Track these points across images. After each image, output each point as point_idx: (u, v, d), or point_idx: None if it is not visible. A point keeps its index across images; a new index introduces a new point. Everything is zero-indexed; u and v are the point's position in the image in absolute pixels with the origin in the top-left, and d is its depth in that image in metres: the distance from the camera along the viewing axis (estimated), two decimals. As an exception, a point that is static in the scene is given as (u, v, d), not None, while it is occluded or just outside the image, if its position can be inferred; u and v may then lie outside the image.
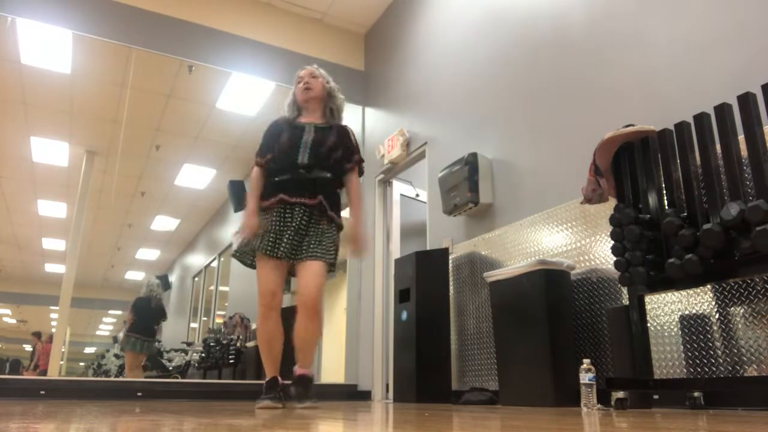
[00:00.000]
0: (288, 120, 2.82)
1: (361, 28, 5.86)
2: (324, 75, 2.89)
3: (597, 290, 2.79)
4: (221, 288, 7.99)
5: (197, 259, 8.85)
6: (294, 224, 2.59)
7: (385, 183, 5.20)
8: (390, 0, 5.47)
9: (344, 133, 2.82)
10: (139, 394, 4.04)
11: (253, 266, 2.70)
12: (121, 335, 6.57)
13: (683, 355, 2.30)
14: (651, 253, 2.21)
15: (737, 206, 1.88)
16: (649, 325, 2.37)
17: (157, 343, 6.48)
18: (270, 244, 2.58)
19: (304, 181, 2.64)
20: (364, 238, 2.81)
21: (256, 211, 2.67)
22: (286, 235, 2.58)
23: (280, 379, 2.62)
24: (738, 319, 2.13)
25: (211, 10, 5.12)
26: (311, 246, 2.60)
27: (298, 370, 2.61)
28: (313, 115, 2.83)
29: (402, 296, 3.81)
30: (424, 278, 3.72)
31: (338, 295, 7.83)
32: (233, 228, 2.89)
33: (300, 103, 2.84)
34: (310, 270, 2.58)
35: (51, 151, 6.39)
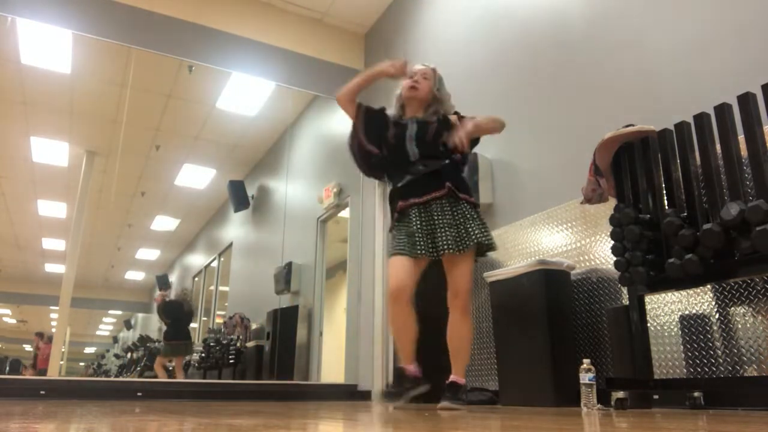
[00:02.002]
0: (393, 117, 2.78)
1: (361, 28, 5.86)
2: (437, 80, 2.80)
3: (597, 290, 2.79)
4: (221, 288, 8.00)
5: (197, 259, 8.85)
6: (433, 220, 2.54)
7: (386, 182, 5.20)
8: (390, 0, 5.47)
9: (445, 119, 2.74)
10: (139, 394, 4.04)
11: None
12: (121, 335, 6.58)
13: (683, 355, 2.30)
14: (651, 253, 2.21)
15: (737, 206, 1.88)
16: (649, 325, 2.37)
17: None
18: (411, 245, 2.53)
19: (425, 177, 2.59)
20: (470, 128, 2.55)
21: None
22: (425, 233, 2.53)
23: (412, 368, 2.57)
24: (738, 319, 2.13)
25: (211, 10, 5.12)
26: (465, 232, 2.52)
27: (450, 378, 2.60)
28: (416, 113, 2.77)
29: (402, 296, 3.80)
30: (424, 278, 3.71)
31: (338, 295, 7.83)
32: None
33: (403, 98, 2.79)
34: (458, 265, 2.55)
35: (51, 151, 6.39)
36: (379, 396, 2.45)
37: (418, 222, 2.55)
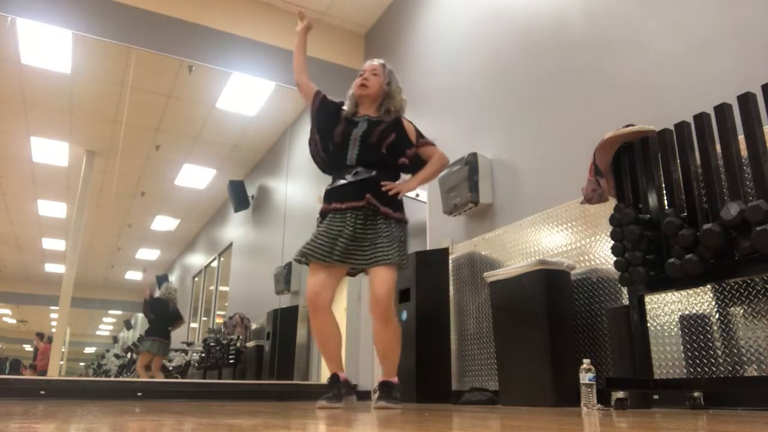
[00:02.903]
0: (346, 114, 2.78)
1: (361, 28, 5.86)
2: (386, 74, 2.82)
3: (597, 290, 2.79)
4: (221, 288, 8.00)
5: (197, 259, 8.85)
6: (348, 230, 2.55)
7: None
8: (390, 0, 5.47)
9: (397, 122, 2.75)
10: (139, 394, 4.04)
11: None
12: (121, 335, 6.58)
13: (683, 355, 2.30)
14: (651, 253, 2.21)
15: (737, 206, 1.88)
16: (649, 325, 2.37)
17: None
18: (323, 249, 2.54)
19: (351, 184, 2.61)
20: (405, 186, 2.66)
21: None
22: (340, 241, 2.54)
23: (341, 375, 2.59)
24: (738, 319, 2.13)
25: (211, 10, 5.12)
26: (374, 249, 2.54)
27: (380, 377, 2.62)
28: (368, 110, 2.79)
29: (402, 296, 3.81)
30: (424, 278, 3.72)
31: (338, 295, 7.82)
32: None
33: (356, 97, 2.80)
34: (378, 273, 2.55)
35: (51, 151, 6.39)
36: (322, 399, 2.46)
37: (334, 228, 2.56)
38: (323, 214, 2.65)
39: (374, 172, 2.63)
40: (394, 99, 2.79)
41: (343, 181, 2.63)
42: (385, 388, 2.55)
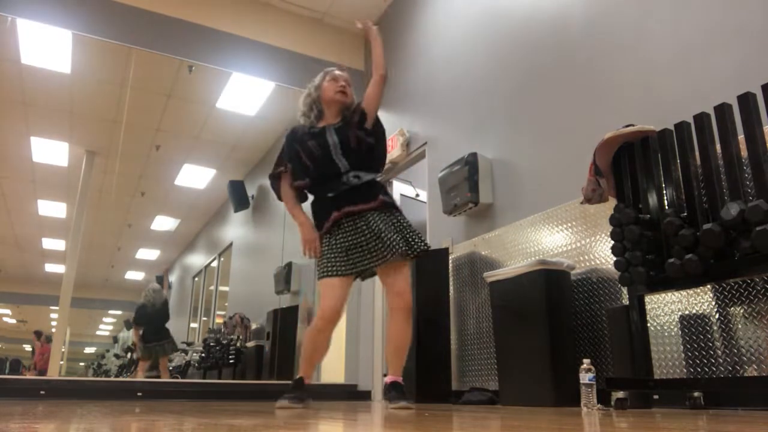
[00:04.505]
0: (305, 127, 2.73)
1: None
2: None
3: (597, 290, 2.79)
4: (221, 288, 8.00)
5: (197, 259, 8.86)
6: (362, 235, 2.53)
7: (385, 183, 5.20)
8: (390, 0, 5.47)
9: (357, 111, 2.73)
10: (139, 394, 4.04)
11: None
12: (121, 335, 6.57)
13: (683, 355, 2.30)
14: (651, 253, 2.21)
15: (737, 206, 1.88)
16: (649, 325, 2.37)
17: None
18: (343, 263, 2.53)
19: (358, 187, 2.58)
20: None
21: (306, 221, 2.67)
22: (357, 249, 2.53)
23: (306, 379, 2.60)
24: (738, 319, 2.13)
25: (211, 10, 5.12)
26: (403, 240, 2.53)
27: (389, 378, 2.58)
28: (332, 119, 2.73)
29: (402, 296, 3.81)
30: (424, 278, 3.72)
31: (338, 295, 7.82)
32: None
33: (326, 101, 2.71)
34: (399, 268, 2.57)
35: (51, 151, 6.39)
36: (283, 399, 2.47)
37: (355, 233, 2.55)
38: (336, 223, 2.58)
39: (375, 174, 2.66)
40: (355, 109, 2.77)
41: (347, 186, 2.59)
42: (398, 387, 2.53)
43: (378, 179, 2.68)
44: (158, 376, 5.96)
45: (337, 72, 2.78)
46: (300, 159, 2.67)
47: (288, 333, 5.59)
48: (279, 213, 6.62)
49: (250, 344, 6.05)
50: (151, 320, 6.22)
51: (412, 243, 2.55)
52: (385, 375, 2.73)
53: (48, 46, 4.96)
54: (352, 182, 2.58)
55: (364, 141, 2.65)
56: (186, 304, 8.90)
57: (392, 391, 2.50)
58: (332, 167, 2.61)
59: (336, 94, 2.69)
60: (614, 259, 2.32)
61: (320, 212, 2.64)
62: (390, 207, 2.61)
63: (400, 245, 2.49)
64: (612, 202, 2.49)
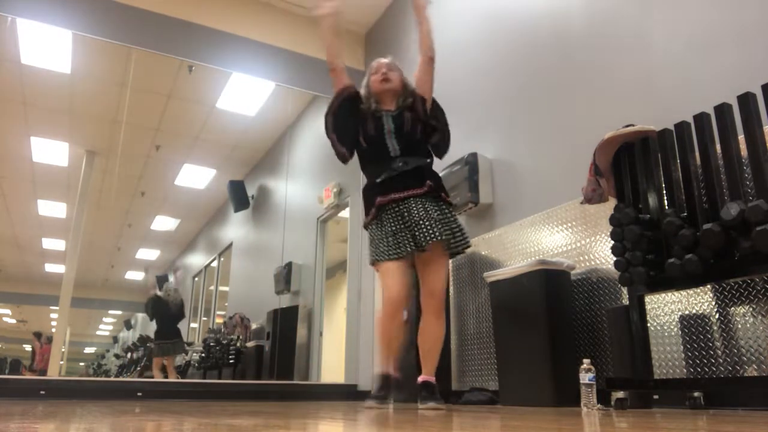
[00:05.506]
0: (369, 109, 2.73)
1: (361, 28, 5.86)
2: (400, 69, 2.85)
3: (597, 290, 2.79)
4: (221, 288, 7.99)
5: (197, 259, 8.84)
6: (410, 218, 2.51)
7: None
8: (390, 0, 5.47)
9: (414, 95, 2.77)
10: (139, 394, 4.04)
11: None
12: (121, 335, 6.57)
13: (683, 355, 2.30)
14: (651, 253, 2.21)
15: (737, 206, 1.88)
16: (649, 325, 2.37)
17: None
18: (395, 246, 2.50)
19: (407, 173, 2.59)
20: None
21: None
22: (404, 231, 2.51)
23: (393, 374, 2.55)
24: (738, 319, 2.13)
25: (211, 10, 5.12)
26: (443, 231, 2.51)
27: (421, 377, 2.58)
28: (389, 105, 2.75)
29: (402, 296, 3.80)
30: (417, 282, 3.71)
31: (338, 295, 7.83)
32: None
33: (376, 93, 2.75)
34: (433, 264, 2.56)
35: (51, 151, 6.39)
36: (370, 398, 2.44)
37: (400, 219, 2.54)
38: (381, 208, 2.58)
39: (427, 160, 2.67)
40: (414, 91, 2.81)
41: (391, 173, 2.59)
42: (429, 388, 2.52)
43: (428, 162, 2.67)
44: (165, 376, 5.96)
45: (376, 63, 2.82)
46: (356, 135, 2.70)
47: (288, 333, 5.59)
48: (279, 213, 6.63)
49: (250, 344, 6.04)
50: (167, 316, 6.22)
51: (452, 237, 2.52)
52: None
53: (48, 46, 4.96)
54: (400, 168, 2.59)
55: (418, 126, 2.67)
56: (186, 304, 8.89)
57: (423, 391, 2.49)
58: (384, 150, 2.63)
59: (381, 84, 2.73)
60: (614, 259, 2.32)
61: (369, 198, 2.66)
62: (437, 194, 2.59)
63: (437, 234, 2.46)
64: (612, 202, 2.49)
